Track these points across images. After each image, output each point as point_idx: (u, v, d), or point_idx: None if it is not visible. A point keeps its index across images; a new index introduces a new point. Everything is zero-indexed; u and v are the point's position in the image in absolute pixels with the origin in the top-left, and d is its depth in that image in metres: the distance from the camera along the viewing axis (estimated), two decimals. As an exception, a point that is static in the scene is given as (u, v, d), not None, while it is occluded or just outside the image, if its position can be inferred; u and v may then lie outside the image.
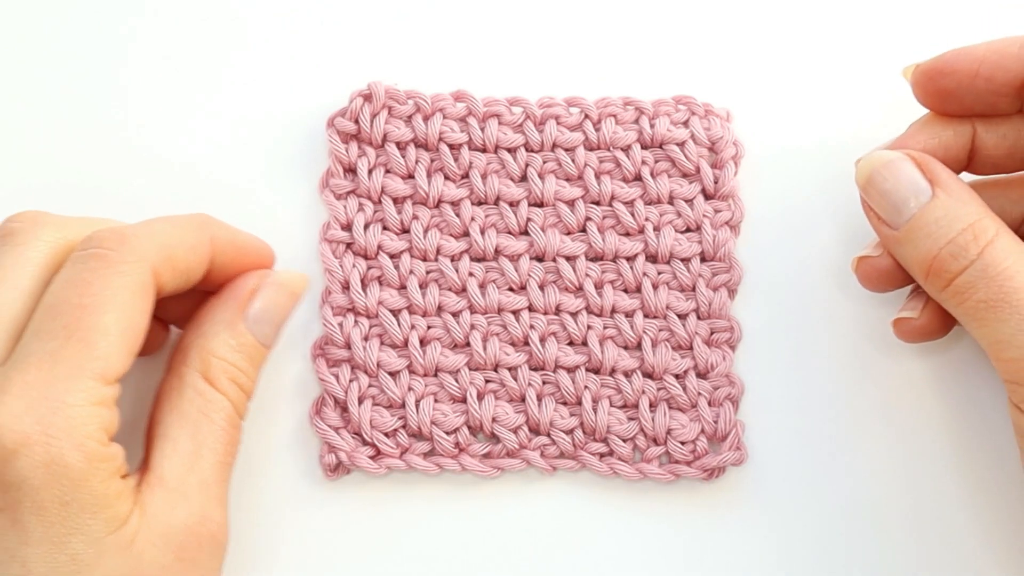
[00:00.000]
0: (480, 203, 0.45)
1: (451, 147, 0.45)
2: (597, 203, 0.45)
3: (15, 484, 0.34)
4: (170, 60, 0.48)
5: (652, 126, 0.45)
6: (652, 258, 0.45)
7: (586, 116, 0.45)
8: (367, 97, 0.45)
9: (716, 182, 0.45)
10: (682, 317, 0.44)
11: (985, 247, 0.37)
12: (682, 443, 0.44)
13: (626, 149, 0.45)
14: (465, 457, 0.44)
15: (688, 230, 0.45)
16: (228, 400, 0.39)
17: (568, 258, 0.44)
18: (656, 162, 0.45)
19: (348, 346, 0.45)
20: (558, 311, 0.44)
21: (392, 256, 0.45)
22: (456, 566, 0.45)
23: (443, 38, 0.48)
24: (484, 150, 0.45)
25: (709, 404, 0.44)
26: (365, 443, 0.44)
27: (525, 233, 0.45)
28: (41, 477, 0.34)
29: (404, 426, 0.44)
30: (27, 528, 0.34)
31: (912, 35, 0.48)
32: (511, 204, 0.45)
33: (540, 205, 0.45)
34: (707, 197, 0.45)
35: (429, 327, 0.45)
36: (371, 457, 0.44)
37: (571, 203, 0.45)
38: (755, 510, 0.45)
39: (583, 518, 0.45)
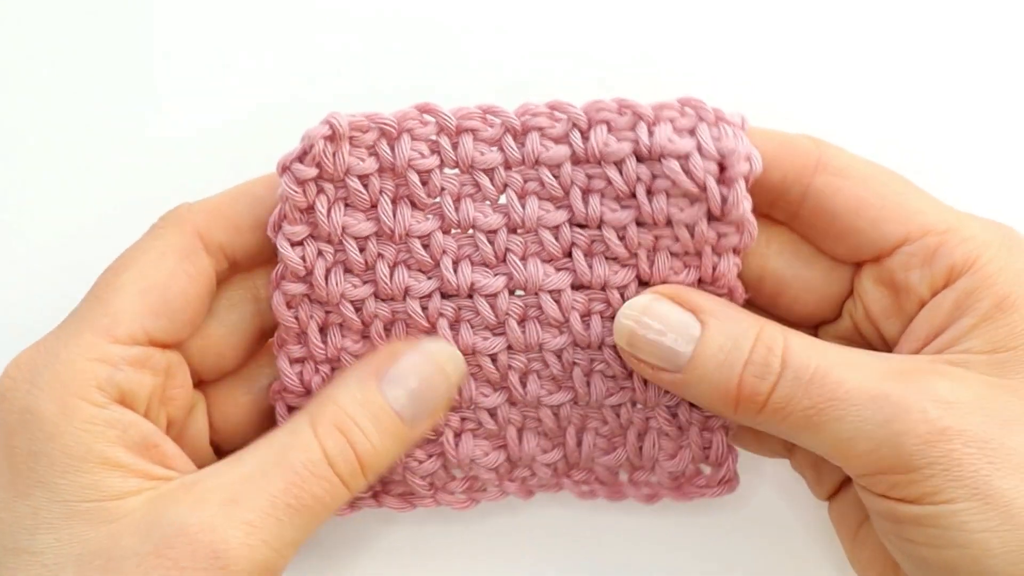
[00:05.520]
0: (451, 231, 0.40)
1: (420, 173, 0.40)
2: (584, 226, 0.40)
3: None
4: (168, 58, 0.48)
5: (651, 135, 0.38)
6: (645, 284, 0.40)
7: (574, 125, 0.39)
8: (330, 138, 0.38)
9: (724, 203, 0.37)
10: None
11: (784, 355, 0.35)
12: (670, 473, 0.42)
13: (619, 163, 0.38)
14: (440, 495, 0.43)
15: (686, 254, 0.39)
16: (321, 448, 0.36)
17: (552, 292, 0.40)
18: (654, 179, 0.38)
19: (309, 393, 0.41)
20: (540, 349, 0.41)
21: (354, 302, 0.40)
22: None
23: (410, 34, 0.47)
24: (458, 168, 0.40)
25: (701, 431, 0.41)
26: None
27: (504, 262, 0.40)
28: (15, 423, 0.34)
29: None
30: (2, 473, 0.35)
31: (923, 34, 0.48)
32: (487, 232, 0.40)
33: (520, 229, 0.40)
34: (712, 219, 0.38)
35: None
36: None
37: (555, 229, 0.40)
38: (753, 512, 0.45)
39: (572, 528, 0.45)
